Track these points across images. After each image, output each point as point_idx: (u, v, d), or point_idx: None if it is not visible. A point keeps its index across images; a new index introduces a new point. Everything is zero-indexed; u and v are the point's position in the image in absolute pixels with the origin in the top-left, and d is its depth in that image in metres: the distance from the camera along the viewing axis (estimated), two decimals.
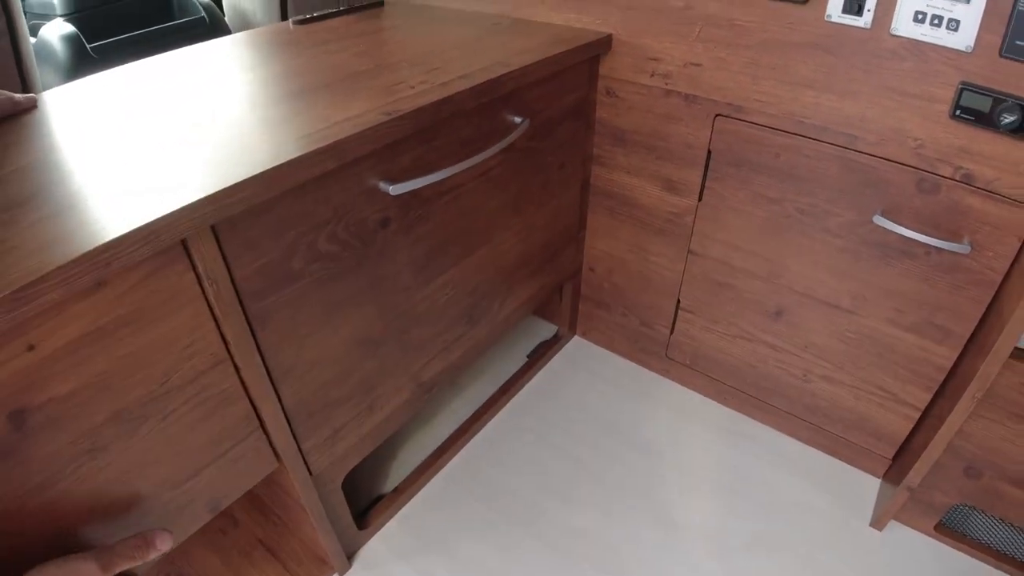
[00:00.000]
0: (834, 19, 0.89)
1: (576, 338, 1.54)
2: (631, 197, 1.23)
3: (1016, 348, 0.86)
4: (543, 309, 1.55)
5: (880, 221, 0.96)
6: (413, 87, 0.84)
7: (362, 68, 0.93)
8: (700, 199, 1.13)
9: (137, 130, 0.76)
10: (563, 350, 1.50)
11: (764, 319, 1.18)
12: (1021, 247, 0.88)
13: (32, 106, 0.86)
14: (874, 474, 1.22)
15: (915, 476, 1.04)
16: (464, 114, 0.87)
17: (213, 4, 2.13)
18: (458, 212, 0.95)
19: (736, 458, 1.25)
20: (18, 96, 0.85)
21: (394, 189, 0.79)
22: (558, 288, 1.39)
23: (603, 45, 1.07)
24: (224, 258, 0.67)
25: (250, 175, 0.63)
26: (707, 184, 1.11)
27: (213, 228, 0.64)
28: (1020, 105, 0.79)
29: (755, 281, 1.15)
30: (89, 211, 0.59)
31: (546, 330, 1.55)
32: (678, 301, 1.28)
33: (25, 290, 0.50)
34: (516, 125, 0.95)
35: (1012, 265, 0.90)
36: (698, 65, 1.03)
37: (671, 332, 1.34)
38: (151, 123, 0.78)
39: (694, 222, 1.16)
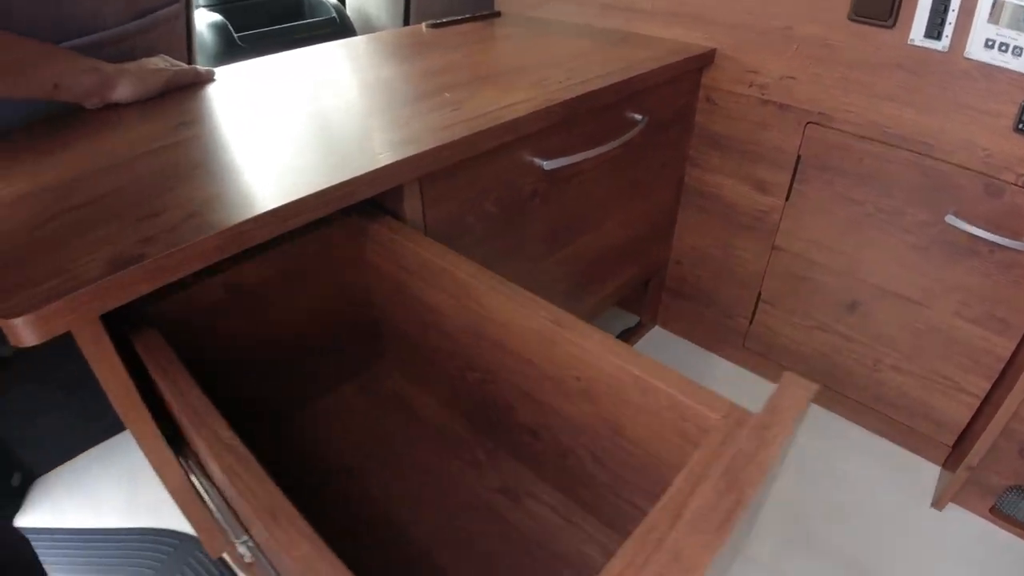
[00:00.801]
0: (916, 43, 1.07)
1: (657, 328, 1.73)
2: (721, 196, 1.42)
3: None
4: (625, 301, 1.74)
5: (952, 220, 1.13)
6: (560, 82, 1.05)
7: (508, 66, 1.15)
8: (787, 199, 1.32)
9: (336, 105, 0.98)
10: (644, 337, 1.69)
11: (839, 311, 1.35)
12: None
13: (211, 78, 1.10)
14: (935, 461, 1.37)
15: (974, 456, 1.19)
16: (599, 109, 1.07)
17: (341, 6, 2.40)
18: (582, 194, 1.16)
19: (808, 442, 1.41)
20: (200, 68, 1.09)
21: (547, 164, 0.99)
22: (647, 279, 1.58)
23: (708, 58, 1.28)
24: (423, 205, 0.88)
25: (452, 140, 0.84)
26: (794, 185, 1.30)
27: (420, 179, 0.85)
28: None
29: (833, 275, 1.33)
30: (341, 155, 0.81)
31: (629, 320, 1.74)
32: (759, 293, 1.46)
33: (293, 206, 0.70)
34: (637, 122, 1.15)
35: None
36: (793, 78, 1.23)
37: (750, 323, 1.52)
38: (345, 101, 1.00)
39: (780, 220, 1.35)
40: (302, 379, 0.91)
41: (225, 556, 1.20)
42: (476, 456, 0.84)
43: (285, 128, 0.90)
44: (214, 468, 0.56)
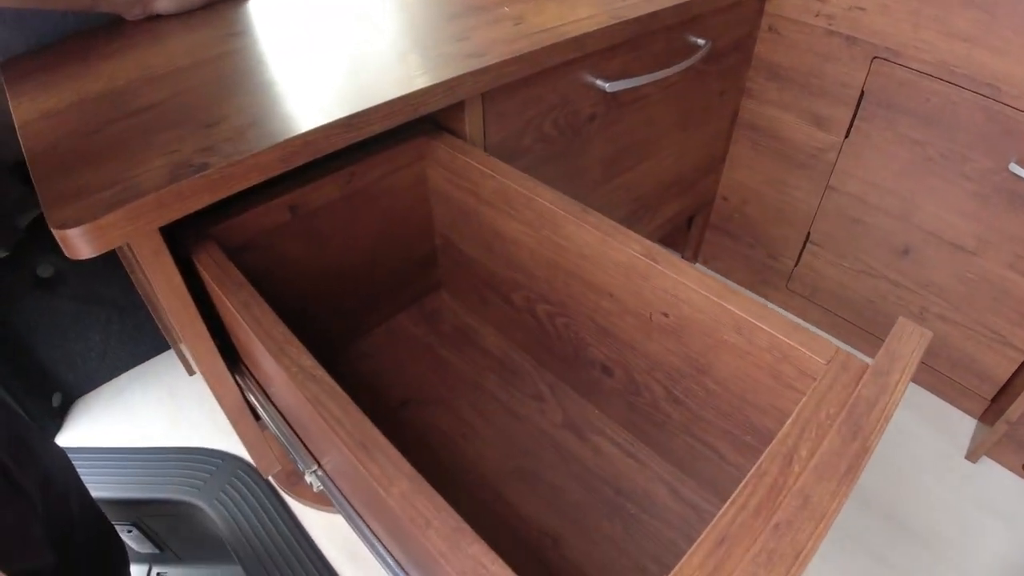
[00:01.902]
0: None
1: (698, 265, 1.71)
2: (777, 131, 1.39)
3: None
4: (667, 236, 1.72)
5: (1015, 169, 1.10)
6: (624, 0, 1.00)
7: None
8: (847, 136, 1.29)
9: (391, 16, 0.94)
10: None
11: (890, 256, 1.34)
12: None
13: None
14: (972, 414, 1.38)
15: (1016, 410, 1.19)
16: (662, 30, 1.03)
17: None
18: (642, 120, 1.13)
19: None
20: None
21: (610, 86, 0.96)
22: (694, 214, 1.56)
23: None
24: (484, 123, 0.85)
25: (519, 54, 0.81)
26: (855, 123, 1.26)
27: (482, 96, 0.82)
28: None
29: (887, 219, 1.31)
30: (403, 67, 0.77)
31: None
32: (808, 234, 1.45)
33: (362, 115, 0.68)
34: (699, 47, 1.11)
35: None
36: (862, 9, 1.18)
37: (796, 264, 1.51)
38: (399, 11, 0.96)
39: (837, 158, 1.32)
40: (359, 308, 0.91)
41: (270, 479, 1.23)
42: (539, 390, 0.84)
43: (340, 39, 0.87)
44: (293, 396, 0.56)
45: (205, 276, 0.65)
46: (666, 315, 0.63)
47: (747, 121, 1.43)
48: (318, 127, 0.65)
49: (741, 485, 0.43)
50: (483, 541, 0.40)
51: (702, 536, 0.40)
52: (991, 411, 1.33)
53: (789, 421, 0.48)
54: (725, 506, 0.42)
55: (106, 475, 1.25)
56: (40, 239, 1.16)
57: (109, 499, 1.20)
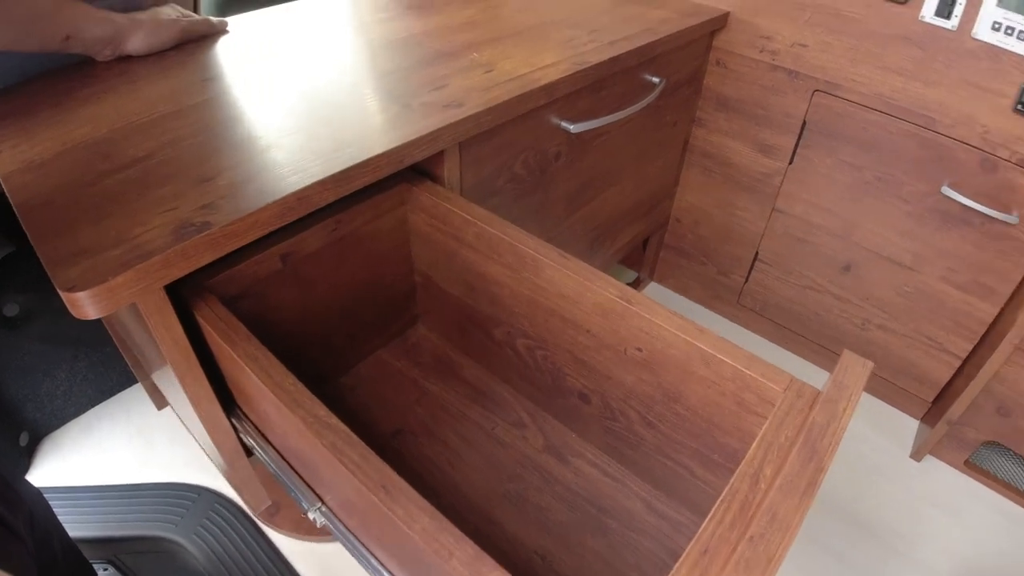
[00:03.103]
0: (927, 19, 1.15)
1: (653, 283, 1.82)
2: (726, 157, 1.50)
3: None
4: (624, 258, 1.81)
5: (947, 191, 1.23)
6: (586, 44, 1.09)
7: (526, 24, 1.18)
8: (791, 162, 1.40)
9: (363, 62, 1.00)
10: (641, 293, 1.77)
11: (834, 272, 1.46)
12: None
13: (225, 29, 1.10)
14: (914, 416, 1.51)
15: (955, 411, 1.32)
16: (624, 71, 1.12)
17: None
18: (602, 155, 1.22)
19: None
20: (213, 19, 1.09)
21: (574, 128, 1.04)
22: (649, 236, 1.65)
23: (722, 21, 1.33)
24: (461, 168, 0.92)
25: (496, 104, 0.88)
26: (799, 150, 1.38)
27: (459, 143, 0.89)
28: None
29: (830, 237, 1.42)
30: (385, 117, 0.84)
31: (627, 276, 1.83)
32: (756, 253, 1.56)
33: (355, 170, 0.74)
34: (655, 85, 1.20)
35: None
36: (804, 46, 1.29)
37: (745, 281, 1.62)
38: (372, 58, 1.02)
39: (782, 182, 1.43)
40: (345, 345, 0.96)
41: (248, 511, 1.26)
42: (520, 417, 0.92)
43: (317, 86, 0.93)
44: (307, 443, 0.61)
45: (208, 329, 0.69)
46: (640, 350, 0.71)
47: (698, 148, 1.53)
48: (312, 183, 0.71)
49: (717, 503, 0.51)
50: (502, 568, 0.47)
51: (688, 548, 0.48)
52: (932, 413, 1.46)
53: (754, 444, 0.56)
54: (705, 522, 0.50)
55: (80, 513, 1.26)
56: (5, 279, 1.18)
57: (84, 538, 1.22)
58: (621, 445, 0.84)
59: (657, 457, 0.79)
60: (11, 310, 1.23)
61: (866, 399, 1.55)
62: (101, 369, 1.42)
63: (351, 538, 0.71)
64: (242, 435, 0.83)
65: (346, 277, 0.89)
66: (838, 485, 1.37)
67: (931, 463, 1.43)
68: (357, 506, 0.61)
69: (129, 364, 1.34)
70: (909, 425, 1.51)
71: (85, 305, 0.57)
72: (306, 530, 1.26)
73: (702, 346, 0.65)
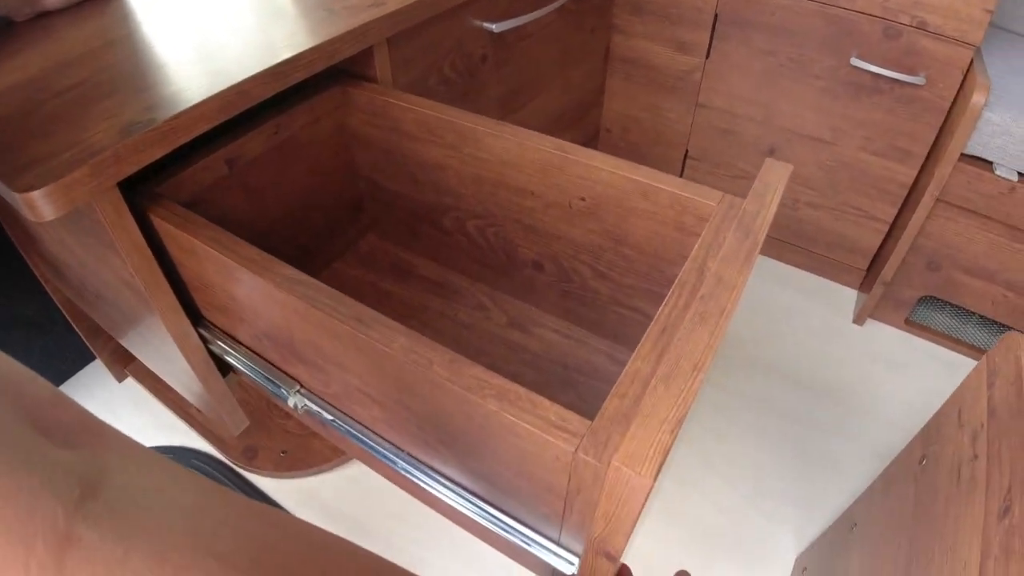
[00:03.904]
0: None
1: None
2: (646, 60, 1.55)
3: (962, 154, 1.23)
4: None
5: (856, 62, 1.30)
6: None
7: None
8: (707, 56, 1.46)
9: None
10: None
11: (760, 157, 1.53)
12: (963, 77, 1.24)
13: None
14: (852, 286, 1.61)
15: (888, 271, 1.41)
16: None
17: None
18: (528, 60, 1.26)
19: None
20: None
21: (496, 27, 1.08)
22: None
23: None
24: (392, 68, 0.95)
25: (412, 1, 0.91)
26: (713, 43, 1.44)
27: (388, 42, 0.92)
28: None
29: (752, 125, 1.50)
30: (311, 20, 0.86)
31: None
32: (686, 151, 1.62)
33: (287, 65, 0.77)
34: None
35: (957, 92, 1.26)
36: None
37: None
38: None
39: (702, 78, 1.49)
40: (298, 258, 0.98)
41: (227, 461, 1.28)
42: (480, 301, 0.96)
43: (240, 3, 0.93)
44: (280, 307, 0.64)
45: (166, 227, 0.72)
46: (583, 199, 0.76)
47: (619, 55, 1.59)
48: (250, 77, 0.74)
49: (668, 295, 0.56)
50: (479, 364, 0.52)
51: (647, 331, 0.52)
52: (868, 279, 1.55)
53: (696, 246, 0.61)
54: (660, 308, 0.55)
55: None
56: None
57: None
58: (578, 306, 0.89)
59: (613, 309, 0.85)
60: None
61: (805, 276, 1.64)
62: (57, 350, 1.41)
63: (333, 411, 0.74)
64: (211, 346, 0.85)
65: (292, 184, 0.92)
66: (789, 357, 1.45)
67: (873, 326, 1.53)
68: (333, 355, 0.65)
69: (84, 337, 1.34)
70: (849, 295, 1.60)
71: (42, 206, 0.59)
72: (287, 467, 1.29)
73: (638, 178, 0.70)
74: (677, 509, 1.23)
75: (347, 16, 0.87)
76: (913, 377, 1.44)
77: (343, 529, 1.21)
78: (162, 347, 0.87)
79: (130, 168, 0.66)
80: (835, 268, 1.60)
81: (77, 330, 1.33)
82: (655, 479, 0.42)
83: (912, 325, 1.50)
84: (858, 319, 1.52)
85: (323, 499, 1.26)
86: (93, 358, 1.48)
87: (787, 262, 1.66)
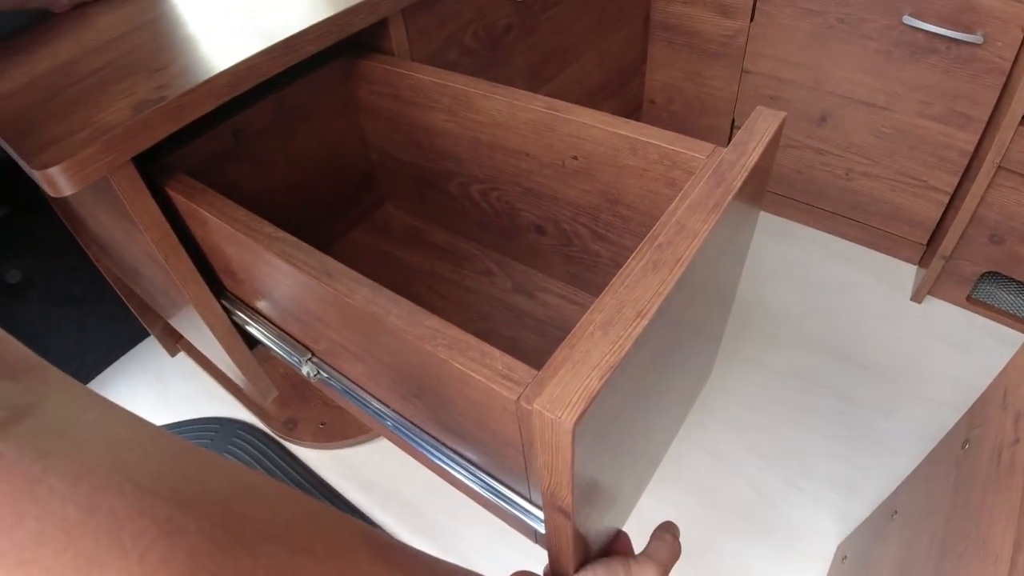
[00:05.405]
0: None
1: None
2: (688, 26, 1.51)
3: None
4: None
5: (909, 21, 1.23)
6: None
7: None
8: (752, 19, 1.41)
9: None
10: None
11: (810, 125, 1.47)
12: None
13: None
14: (911, 261, 1.53)
15: (948, 244, 1.34)
16: None
17: None
18: (556, 28, 1.25)
19: (791, 255, 1.57)
20: None
21: None
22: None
23: None
24: (408, 40, 0.95)
25: None
26: (757, 4, 1.39)
27: (403, 14, 0.93)
28: None
29: (801, 90, 1.44)
30: None
31: None
32: (733, 120, 1.58)
33: (298, 38, 0.79)
34: None
35: (1018, 52, 1.18)
36: None
37: None
38: None
39: (747, 42, 1.44)
40: (313, 227, 1.01)
41: (270, 431, 1.33)
42: (487, 266, 0.96)
43: None
44: (264, 261, 0.66)
45: (178, 198, 0.75)
46: (576, 158, 0.75)
47: (659, 22, 1.55)
48: (260, 51, 0.76)
49: (638, 247, 0.55)
50: (438, 317, 0.52)
51: (611, 282, 0.51)
52: (928, 254, 1.47)
53: (677, 199, 0.60)
54: (628, 261, 0.54)
55: None
56: (4, 244, 1.25)
57: None
58: (581, 270, 0.88)
59: (614, 271, 0.83)
60: (13, 277, 1.28)
61: (861, 250, 1.57)
62: (110, 325, 1.49)
63: (342, 379, 0.76)
64: (234, 317, 0.89)
65: (301, 157, 0.94)
66: (843, 333, 1.40)
67: (933, 303, 1.45)
68: (315, 311, 0.66)
69: (136, 313, 1.42)
70: (907, 271, 1.52)
71: (60, 181, 0.64)
72: (326, 437, 1.33)
73: (626, 133, 0.69)
74: (711, 486, 1.21)
75: None
76: (973, 358, 1.36)
77: (379, 499, 1.25)
78: (193, 319, 0.91)
79: (142, 144, 0.69)
80: (892, 242, 1.52)
81: (129, 306, 1.40)
82: (576, 424, 0.42)
83: (974, 303, 1.42)
84: (916, 296, 1.44)
85: (359, 469, 1.30)
86: (147, 334, 1.56)
87: (842, 236, 1.59)
